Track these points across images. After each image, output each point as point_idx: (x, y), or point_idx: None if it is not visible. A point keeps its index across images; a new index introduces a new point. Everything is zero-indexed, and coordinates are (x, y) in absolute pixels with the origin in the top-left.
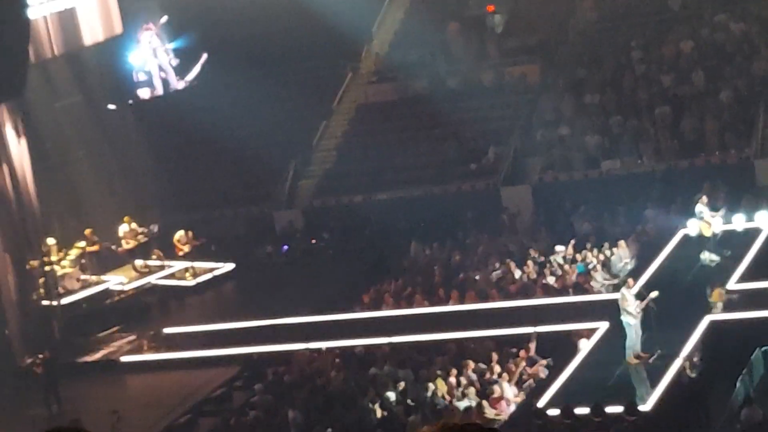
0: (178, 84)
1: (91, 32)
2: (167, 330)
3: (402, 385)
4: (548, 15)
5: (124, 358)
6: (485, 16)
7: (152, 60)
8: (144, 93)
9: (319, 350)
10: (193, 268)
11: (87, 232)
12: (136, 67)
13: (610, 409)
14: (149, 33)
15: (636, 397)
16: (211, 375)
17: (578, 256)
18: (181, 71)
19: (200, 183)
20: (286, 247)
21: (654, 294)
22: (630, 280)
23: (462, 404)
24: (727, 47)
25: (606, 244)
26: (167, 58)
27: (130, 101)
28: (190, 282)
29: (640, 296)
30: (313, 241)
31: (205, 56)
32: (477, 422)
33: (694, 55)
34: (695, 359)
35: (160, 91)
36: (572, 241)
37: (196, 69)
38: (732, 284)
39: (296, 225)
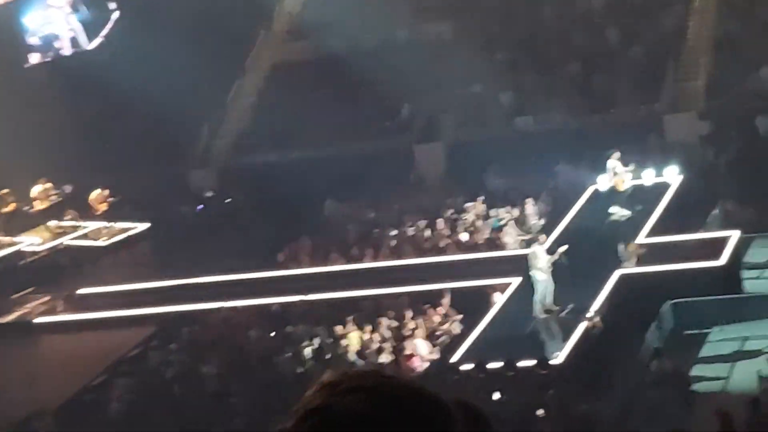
0: (88, 45)
1: None
2: (82, 291)
3: (317, 342)
4: None
5: (38, 320)
6: None
7: (60, 22)
8: (34, 58)
9: (234, 309)
10: (107, 228)
11: (2, 192)
12: (31, 30)
13: (523, 363)
14: None
15: (548, 351)
16: (126, 335)
17: (491, 213)
18: (91, 32)
19: (115, 143)
20: (200, 206)
21: (563, 248)
22: (542, 236)
23: (377, 360)
24: (637, 3)
25: (518, 201)
26: (77, 19)
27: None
28: (104, 242)
29: (551, 251)
30: (228, 200)
31: (116, 15)
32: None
33: (605, 11)
34: (596, 318)
35: (67, 52)
36: (481, 198)
37: (107, 29)
38: (642, 238)
39: (206, 186)
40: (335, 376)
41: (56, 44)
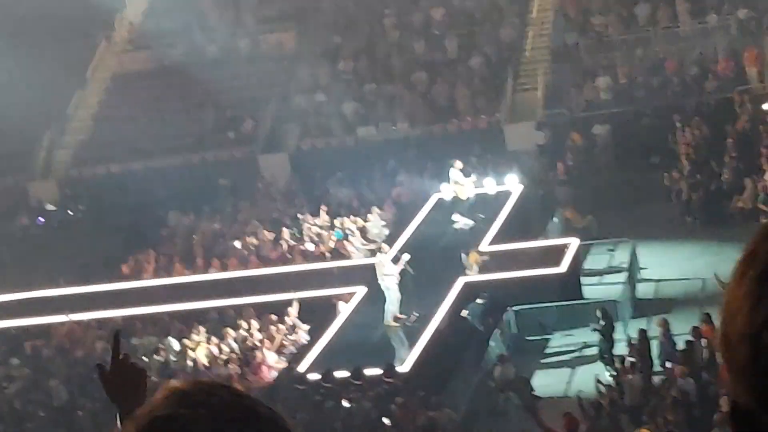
0: None
1: None
2: None
3: (164, 354)
4: None
5: None
6: None
7: None
8: None
9: (78, 322)
10: None
11: None
12: None
13: (370, 372)
14: None
15: (394, 359)
16: None
17: (336, 222)
18: None
19: None
20: (41, 218)
21: (406, 257)
22: (385, 245)
23: (224, 372)
24: (477, 14)
25: (362, 210)
26: None
27: None
28: None
29: (395, 260)
30: (70, 213)
31: None
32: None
33: (445, 21)
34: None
35: None
36: (324, 208)
37: None
38: (484, 246)
39: (47, 198)
40: (187, 384)
41: None
